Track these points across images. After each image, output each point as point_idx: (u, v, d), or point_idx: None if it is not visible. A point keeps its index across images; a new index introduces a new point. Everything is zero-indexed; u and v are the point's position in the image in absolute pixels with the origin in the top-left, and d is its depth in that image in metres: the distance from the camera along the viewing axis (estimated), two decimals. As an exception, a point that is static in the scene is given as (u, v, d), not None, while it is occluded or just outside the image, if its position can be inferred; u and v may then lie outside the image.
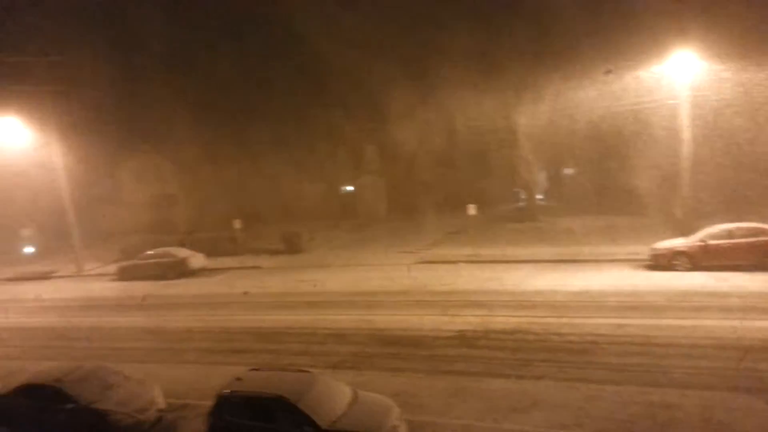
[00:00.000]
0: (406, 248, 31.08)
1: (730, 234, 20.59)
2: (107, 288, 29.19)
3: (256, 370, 12.03)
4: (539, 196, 42.17)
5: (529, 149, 36.98)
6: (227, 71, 50.93)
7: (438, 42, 37.58)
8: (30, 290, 30.50)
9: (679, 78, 24.61)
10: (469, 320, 17.49)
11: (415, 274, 25.07)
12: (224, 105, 51.30)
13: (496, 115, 35.85)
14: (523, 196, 41.39)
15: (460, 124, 37.42)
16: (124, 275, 30.55)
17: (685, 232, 23.35)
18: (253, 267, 30.64)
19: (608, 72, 27.72)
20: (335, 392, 10.95)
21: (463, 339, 16.00)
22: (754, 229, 20.42)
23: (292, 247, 33.72)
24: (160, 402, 12.63)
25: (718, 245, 20.58)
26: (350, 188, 50.71)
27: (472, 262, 26.39)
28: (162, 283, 28.66)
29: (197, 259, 30.42)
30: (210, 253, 32.28)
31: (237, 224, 30.92)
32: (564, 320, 16.63)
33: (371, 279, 24.94)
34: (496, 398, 12.18)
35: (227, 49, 50.76)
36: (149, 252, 30.61)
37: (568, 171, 44.03)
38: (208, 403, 11.25)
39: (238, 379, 11.24)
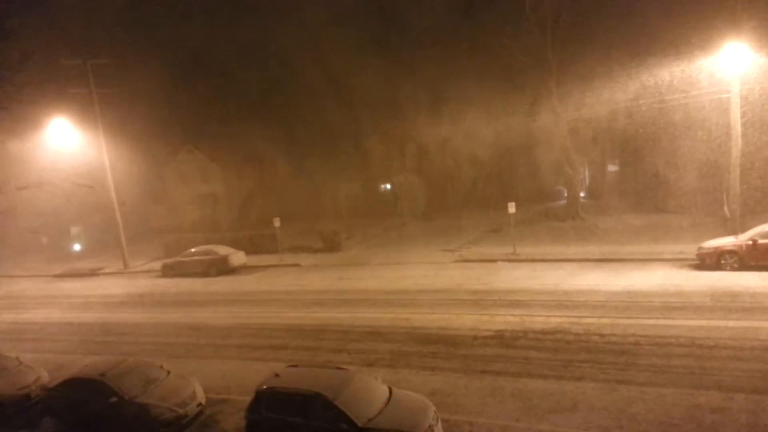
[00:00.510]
0: (444, 246, 30.92)
1: (782, 232, 19.75)
2: (152, 285, 29.98)
3: (294, 366, 12.16)
4: (582, 194, 41.23)
5: (573, 146, 36.27)
6: (269, 74, 51.74)
7: (477, 39, 37.19)
8: (79, 287, 31.62)
9: (730, 71, 23.54)
10: (507, 320, 17.29)
11: (459, 272, 24.96)
12: (266, 106, 52.08)
13: (538, 111, 35.26)
14: (565, 194, 40.59)
15: (500, 121, 36.96)
16: (168, 272, 31.34)
17: (734, 230, 22.55)
18: (293, 265, 30.99)
19: None
20: (372, 390, 10.98)
21: (501, 339, 15.82)
22: (809, 228, 19.56)
23: (330, 245, 33.96)
24: (201, 397, 12.91)
25: (769, 244, 19.78)
26: (389, 187, 50.73)
27: (511, 260, 26.04)
28: (204, 280, 29.30)
29: (238, 257, 30.97)
30: (250, 251, 32.85)
31: (276, 222, 31.34)
32: (605, 320, 16.26)
33: (409, 277, 24.89)
34: (534, 399, 12.00)
35: (269, 53, 51.42)
36: (192, 249, 31.35)
37: (613, 168, 42.94)
38: (247, 398, 11.45)
39: (276, 375, 11.39)
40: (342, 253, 33.14)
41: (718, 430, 10.09)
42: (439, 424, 10.52)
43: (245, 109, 51.17)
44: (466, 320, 17.77)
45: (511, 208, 26.83)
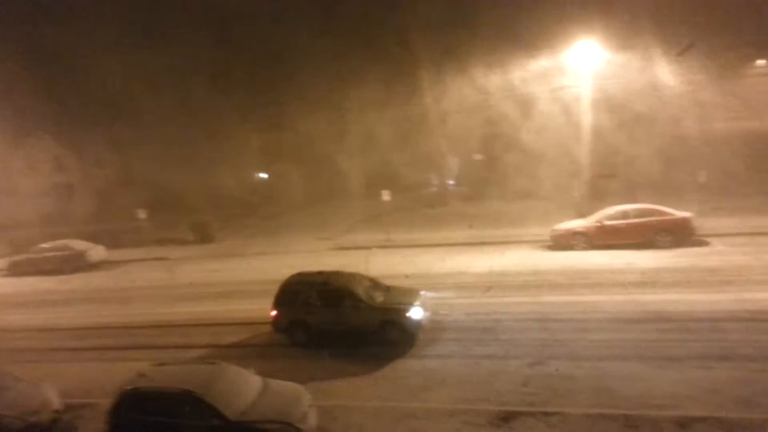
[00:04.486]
0: (320, 235, 30.94)
1: (624, 215, 21.94)
2: (-3, 285, 27.12)
3: (162, 365, 11.60)
4: (450, 182, 43.09)
5: (441, 136, 37.72)
6: (131, 57, 48.34)
7: (352, 31, 37.44)
8: None
9: (582, 66, 25.69)
10: (381, 304, 17.64)
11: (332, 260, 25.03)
12: (130, 91, 48.53)
13: (410, 102, 36.23)
14: (435, 181, 42.19)
15: (375, 111, 37.53)
16: (17, 270, 28.52)
17: (583, 214, 24.70)
18: (160, 258, 29.46)
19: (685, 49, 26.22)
20: (244, 382, 10.77)
21: (374, 323, 16.12)
22: (646, 210, 21.88)
23: (202, 236, 32.71)
24: (56, 403, 11.92)
25: (613, 225, 21.90)
26: (264, 176, 49.74)
27: (385, 247, 26.65)
28: (59, 277, 27.03)
29: (97, 252, 28.89)
30: (112, 245, 30.75)
31: (141, 214, 29.54)
32: (471, 300, 17.21)
33: (284, 267, 24.48)
34: (406, 378, 12.43)
35: (134, 36, 48.02)
36: (44, 245, 28.73)
37: (478, 157, 45.22)
38: (110, 401, 10.75)
39: (142, 374, 10.81)
40: (215, 244, 32.07)
41: (570, 396, 11.05)
42: (313, 411, 10.56)
43: (108, 95, 47.29)
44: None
45: (386, 195, 27.45)
